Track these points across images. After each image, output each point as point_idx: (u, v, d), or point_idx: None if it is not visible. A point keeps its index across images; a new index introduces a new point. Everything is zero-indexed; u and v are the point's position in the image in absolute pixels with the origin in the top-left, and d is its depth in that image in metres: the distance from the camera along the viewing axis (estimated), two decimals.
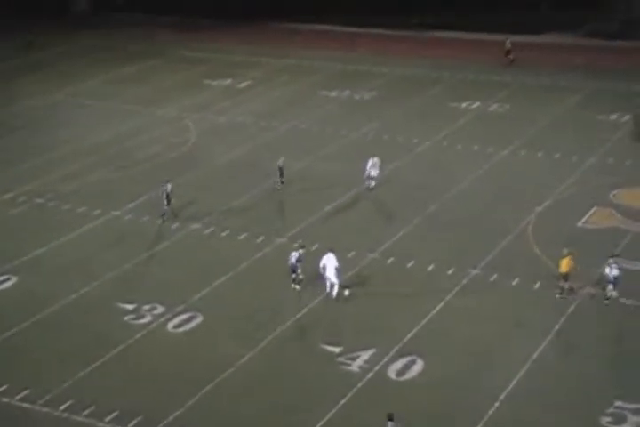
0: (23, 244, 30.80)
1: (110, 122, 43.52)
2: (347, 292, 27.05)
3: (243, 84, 49.35)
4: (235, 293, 27.52)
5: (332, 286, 26.85)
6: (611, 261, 26.33)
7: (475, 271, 28.40)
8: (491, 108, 44.74)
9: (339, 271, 26.76)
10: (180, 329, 25.59)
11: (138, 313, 26.33)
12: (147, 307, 26.51)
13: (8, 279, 28.53)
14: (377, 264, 29.08)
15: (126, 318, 26.09)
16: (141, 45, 58.15)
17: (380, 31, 58.34)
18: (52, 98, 47.55)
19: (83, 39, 59.59)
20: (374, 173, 34.42)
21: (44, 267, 29.37)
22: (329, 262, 26.67)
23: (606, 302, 26.42)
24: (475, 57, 53.49)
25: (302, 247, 27.78)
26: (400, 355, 24.17)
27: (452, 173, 36.33)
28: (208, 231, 31.70)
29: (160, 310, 26.44)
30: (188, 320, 25.93)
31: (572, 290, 27.01)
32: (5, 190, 35.23)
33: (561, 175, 35.82)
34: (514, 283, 27.63)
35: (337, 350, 24.44)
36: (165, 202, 31.78)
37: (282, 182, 34.47)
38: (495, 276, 28.04)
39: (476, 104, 45.18)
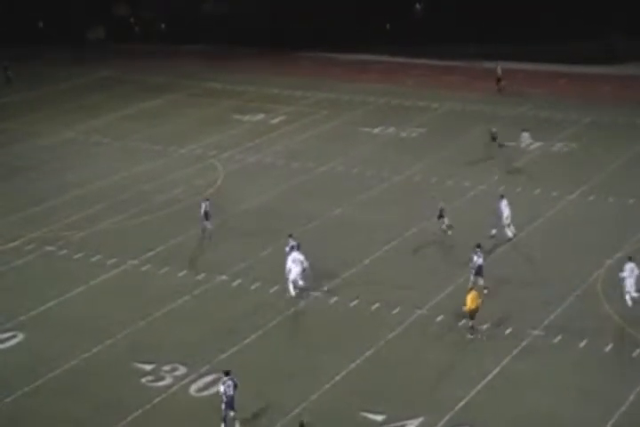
0: (30, 297, 31.70)
1: (127, 162, 44.76)
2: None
3: (276, 120, 50.54)
4: (265, 353, 28.04)
5: (294, 285, 31.02)
6: (477, 250, 30.65)
7: (536, 332, 28.65)
8: (555, 148, 45.31)
9: (306, 271, 31.02)
10: (205, 393, 26.06)
11: (157, 375, 26.88)
12: (167, 368, 27.05)
13: (14, 336, 29.32)
14: (425, 322, 29.47)
15: (143, 380, 26.67)
16: (163, 77, 59.87)
17: (429, 61, 59.44)
18: (62, 136, 49.03)
19: (99, 70, 61.56)
20: (506, 216, 34.59)
21: (54, 323, 30.16)
22: (294, 263, 30.94)
23: (485, 291, 30.21)
24: (535, 90, 54.29)
25: None
26: (452, 426, 24.41)
27: (510, 219, 36.72)
28: (235, 284, 32.39)
29: (182, 371, 26.99)
30: (214, 383, 26.28)
31: (472, 328, 28.21)
32: (12, 238, 36.33)
33: (635, 223, 36.10)
34: (581, 345, 27.84)
35: (380, 418, 24.76)
36: (204, 219, 35.52)
37: (448, 226, 35.06)
38: (559, 337, 28.27)
39: (538, 143, 45.75)
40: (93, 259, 34.44)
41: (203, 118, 51.56)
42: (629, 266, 30.07)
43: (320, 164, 43.82)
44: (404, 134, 47.99)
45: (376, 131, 48.62)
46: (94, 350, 28.28)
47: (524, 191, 39.83)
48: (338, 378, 26.58)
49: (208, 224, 35.67)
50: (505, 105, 51.86)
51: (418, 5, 69.36)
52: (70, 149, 47.16)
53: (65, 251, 35.19)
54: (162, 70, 61.35)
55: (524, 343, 28.09)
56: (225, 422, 24.24)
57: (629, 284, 29.86)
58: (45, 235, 36.52)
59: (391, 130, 48.64)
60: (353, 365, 27.17)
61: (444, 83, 56.71)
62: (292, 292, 31.13)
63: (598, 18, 59.82)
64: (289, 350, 28.17)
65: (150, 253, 34.68)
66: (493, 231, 34.97)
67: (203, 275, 33.00)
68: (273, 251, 34.82)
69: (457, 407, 25.07)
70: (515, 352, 27.63)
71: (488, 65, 58.62)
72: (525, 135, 43.19)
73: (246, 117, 51.35)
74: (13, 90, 56.78)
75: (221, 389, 24.21)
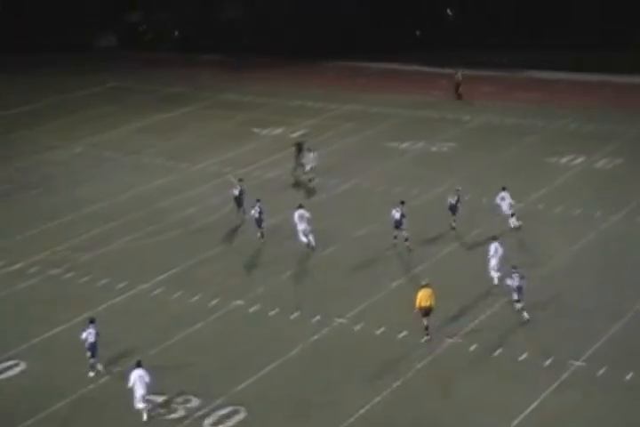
0: (34, 323, 31.87)
1: (139, 178, 45.09)
2: None
3: (296, 134, 50.73)
4: (285, 384, 28.03)
5: (307, 238, 36.14)
6: (398, 207, 36.50)
7: (578, 363, 28.51)
8: (598, 164, 45.25)
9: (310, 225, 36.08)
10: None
11: (168, 407, 26.93)
12: (179, 399, 27.10)
13: (15, 365, 29.45)
14: (457, 351, 29.40)
15: (154, 413, 26.71)
16: (177, 88, 60.33)
17: (464, 71, 59.39)
18: (71, 150, 49.46)
19: (109, 80, 62.15)
20: (505, 207, 37.43)
21: (58, 351, 30.22)
22: (301, 218, 36.00)
23: (407, 243, 36.15)
24: (577, 101, 54.22)
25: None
26: None
27: (548, 242, 36.69)
28: (253, 310, 32.46)
29: (195, 403, 27.03)
30: (229, 416, 26.45)
31: (426, 328, 29.22)
32: (14, 260, 36.57)
33: None
34: (627, 378, 27.65)
35: None
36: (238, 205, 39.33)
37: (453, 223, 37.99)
38: (604, 369, 28.11)
39: (580, 159, 45.70)
40: (101, 282, 34.64)
41: (219, 132, 51.85)
42: (494, 245, 33.00)
43: (343, 180, 43.91)
44: (433, 149, 48.03)
45: (404, 145, 48.69)
46: (102, 381, 28.38)
47: (565, 211, 39.74)
48: (363, 411, 26.52)
49: (241, 211, 39.09)
50: (543, 117, 51.85)
51: (449, 11, 69.53)
52: (80, 163, 47.57)
53: (71, 274, 35.40)
54: (176, 80, 61.82)
55: (564, 375, 27.93)
56: (93, 368, 28.30)
57: (493, 263, 32.87)
58: (51, 256, 36.78)
59: (420, 144, 48.71)
60: (379, 397, 27.11)
61: (477, 93, 56.72)
62: (304, 239, 36.22)
63: None
64: (310, 381, 28.14)
65: (162, 277, 34.85)
66: (512, 223, 37.34)
67: (217, 300, 33.09)
68: (292, 274, 34.92)
69: None
70: (555, 385, 27.49)
71: (529, 74, 58.72)
72: (311, 156, 43.24)
73: (265, 131, 51.61)
74: (19, 101, 57.38)
75: (83, 335, 28.21)
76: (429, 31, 67.10)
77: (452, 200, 37.98)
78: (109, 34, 71.89)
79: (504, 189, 37.90)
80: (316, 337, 30.55)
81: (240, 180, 40.27)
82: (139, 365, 26.35)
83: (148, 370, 26.24)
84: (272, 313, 32.14)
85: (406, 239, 36.32)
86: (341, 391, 27.54)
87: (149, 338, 30.63)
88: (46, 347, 30.52)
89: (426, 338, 29.71)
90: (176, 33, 71.59)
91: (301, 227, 36.36)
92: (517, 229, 37.50)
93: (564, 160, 45.65)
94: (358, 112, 54.33)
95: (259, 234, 37.40)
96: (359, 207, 40.95)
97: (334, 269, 35.14)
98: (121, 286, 34.30)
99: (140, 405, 26.15)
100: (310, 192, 42.78)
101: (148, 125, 53.27)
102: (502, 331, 30.44)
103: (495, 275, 33.07)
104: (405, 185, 42.90)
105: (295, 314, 31.94)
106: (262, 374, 28.47)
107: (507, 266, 32.20)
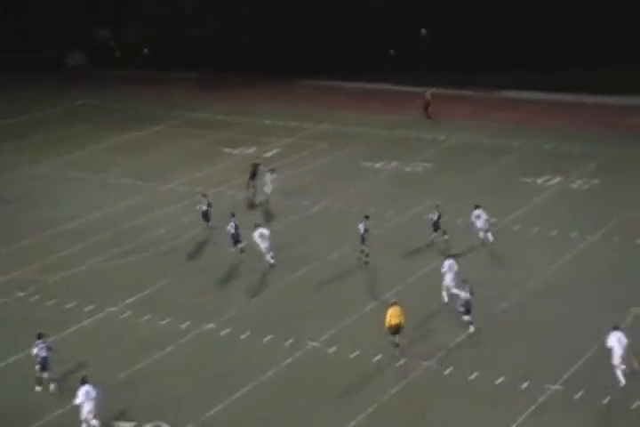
0: None
1: (107, 198, 44.92)
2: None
3: (269, 154, 50.79)
4: (258, 407, 27.88)
5: (267, 253, 36.67)
6: (364, 220, 37.21)
7: (555, 387, 28.53)
8: (574, 185, 45.53)
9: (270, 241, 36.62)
10: None
11: None
12: (148, 426, 26.88)
13: None
14: (433, 375, 29.35)
15: None
16: (147, 106, 60.27)
17: (437, 90, 59.89)
18: (37, 170, 49.21)
19: (78, 98, 62.01)
20: (480, 224, 38.01)
21: (23, 376, 29.74)
22: (262, 237, 36.53)
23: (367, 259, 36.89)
24: (553, 122, 54.57)
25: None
26: None
27: (525, 263, 36.81)
28: (224, 333, 32.31)
29: None
30: None
31: (397, 346, 29.62)
32: None
33: None
34: (604, 402, 27.67)
35: None
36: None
37: (437, 237, 38.43)
38: (580, 393, 28.11)
39: (556, 179, 46.00)
40: (68, 306, 34.37)
41: (190, 151, 51.79)
42: (448, 262, 33.51)
43: (317, 201, 43.93)
44: (408, 169, 48.19)
45: (378, 165, 48.82)
46: (68, 407, 28.02)
47: (541, 231, 39.92)
48: None
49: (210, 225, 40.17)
50: (519, 137, 52.17)
51: (423, 30, 69.97)
52: (47, 183, 47.33)
53: (37, 297, 35.11)
54: (146, 99, 61.81)
55: (541, 399, 27.93)
56: (40, 383, 28.37)
57: (448, 279, 33.16)
58: (17, 278, 36.47)
59: (394, 164, 48.85)
60: (353, 421, 27.00)
61: (453, 113, 57.06)
62: (271, 260, 36.73)
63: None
64: (283, 405, 27.99)
65: (131, 299, 34.63)
66: (485, 236, 38.16)
67: (188, 322, 32.92)
68: (264, 296, 34.84)
69: None
70: (531, 409, 27.47)
71: (505, 94, 59.11)
72: (272, 177, 43.81)
73: (237, 151, 51.60)
74: None
75: (35, 351, 28.38)
76: (404, 50, 67.41)
77: (434, 216, 38.31)
78: (79, 51, 71.87)
79: (477, 206, 38.25)
80: (289, 360, 30.43)
81: (204, 195, 40.94)
82: (84, 381, 26.49)
83: (96, 386, 26.40)
84: (244, 336, 32.01)
85: (367, 254, 36.86)
86: (315, 416, 27.44)
87: (118, 362, 30.39)
88: (9, 373, 30.14)
89: (399, 357, 29.57)
90: (145, 50, 71.57)
91: (264, 246, 36.67)
92: (489, 244, 38.01)
93: (540, 180, 45.92)
94: (332, 131, 54.47)
95: (238, 248, 37.56)
96: (333, 228, 40.95)
97: (307, 291, 35.10)
98: (88, 309, 34.06)
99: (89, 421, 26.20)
100: (282, 213, 42.75)
101: (118, 144, 53.16)
102: (479, 353, 30.45)
103: (445, 293, 33.32)
104: (380, 205, 42.93)
105: (267, 337, 31.82)
106: (234, 397, 28.31)
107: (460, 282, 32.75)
